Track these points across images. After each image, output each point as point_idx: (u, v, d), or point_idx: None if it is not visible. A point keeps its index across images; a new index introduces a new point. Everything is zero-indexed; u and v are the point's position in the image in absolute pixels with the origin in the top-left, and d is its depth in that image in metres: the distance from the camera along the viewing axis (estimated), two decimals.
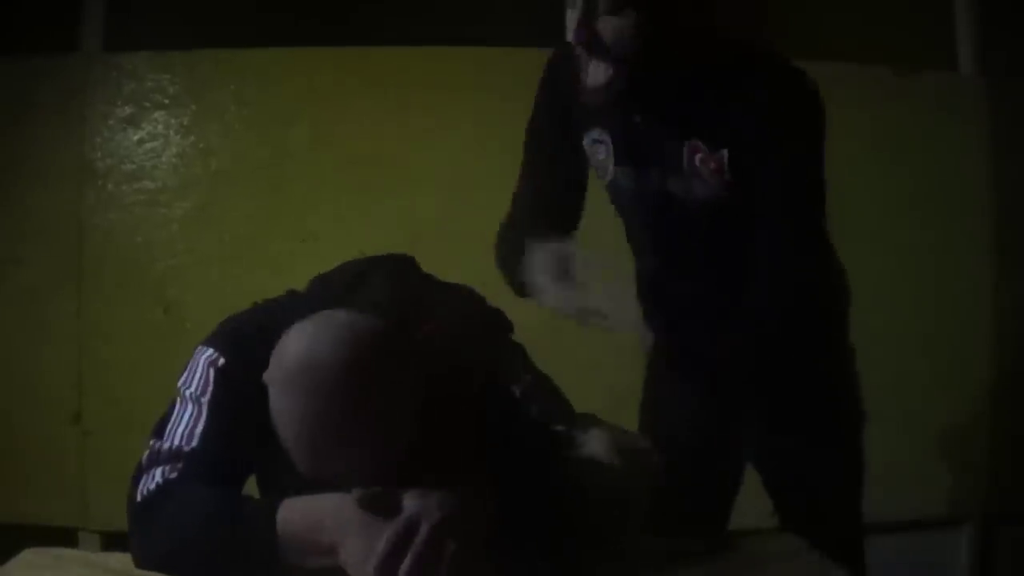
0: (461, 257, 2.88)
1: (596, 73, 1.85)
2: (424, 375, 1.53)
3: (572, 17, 1.83)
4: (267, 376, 1.50)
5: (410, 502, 1.45)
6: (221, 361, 1.63)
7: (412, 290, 1.70)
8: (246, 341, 1.63)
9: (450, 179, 3.17)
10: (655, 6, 1.81)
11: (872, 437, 3.17)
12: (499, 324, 1.81)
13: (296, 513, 1.48)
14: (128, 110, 3.25)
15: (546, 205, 2.18)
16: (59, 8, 3.31)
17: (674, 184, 1.99)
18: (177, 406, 1.63)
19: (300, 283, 1.78)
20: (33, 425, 3.26)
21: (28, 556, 1.72)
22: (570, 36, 1.85)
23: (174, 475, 1.57)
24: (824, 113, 1.95)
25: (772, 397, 2.11)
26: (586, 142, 2.09)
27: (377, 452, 1.48)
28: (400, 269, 1.77)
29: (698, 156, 1.94)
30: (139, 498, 1.57)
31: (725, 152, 1.91)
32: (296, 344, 1.47)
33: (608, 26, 1.80)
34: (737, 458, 2.24)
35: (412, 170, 3.18)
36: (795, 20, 3.35)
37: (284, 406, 1.48)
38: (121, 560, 1.64)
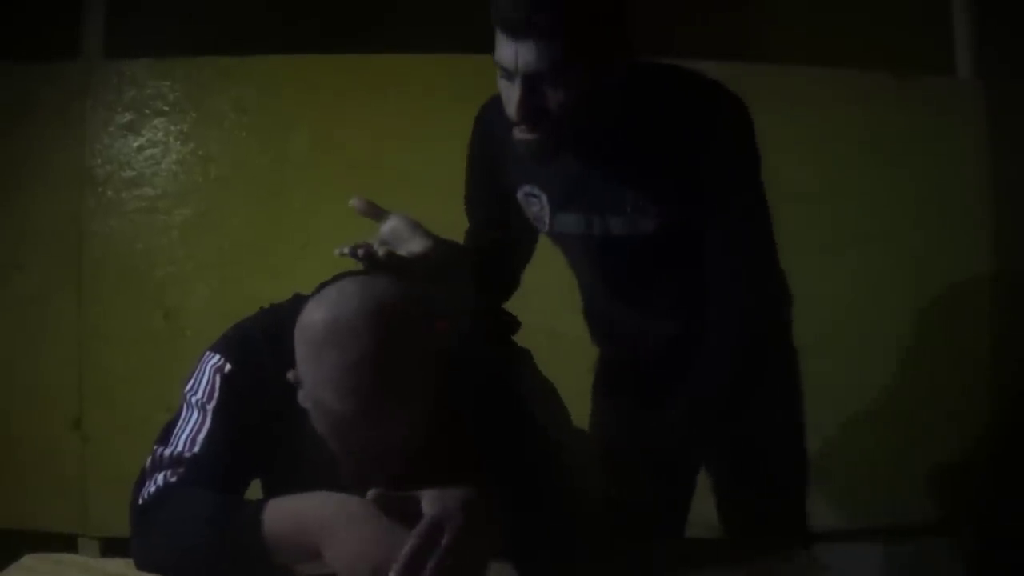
0: None
1: (524, 135, 1.83)
2: (439, 358, 1.53)
3: (510, 93, 1.81)
4: (296, 345, 1.49)
5: (431, 505, 1.44)
6: (228, 368, 1.63)
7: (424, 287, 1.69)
8: (252, 347, 1.64)
9: (450, 186, 3.16)
10: (591, 72, 1.80)
11: (868, 441, 3.23)
12: (508, 325, 1.82)
13: (280, 513, 1.48)
14: (128, 116, 3.26)
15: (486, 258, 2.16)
16: (60, 14, 3.31)
17: (617, 226, 1.97)
18: (183, 412, 1.64)
19: (300, 289, 1.78)
20: (33, 430, 3.26)
21: (28, 561, 1.73)
22: (511, 113, 1.82)
23: (174, 479, 1.57)
24: (752, 124, 1.93)
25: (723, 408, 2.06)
26: (519, 196, 2.08)
27: (401, 422, 1.48)
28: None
29: (640, 193, 1.93)
30: (140, 502, 1.58)
31: (667, 183, 1.91)
32: (320, 308, 1.47)
33: (550, 100, 1.78)
34: (686, 467, 2.20)
35: (412, 177, 3.17)
36: (794, 25, 3.36)
37: (313, 370, 1.47)
38: (119, 565, 1.64)
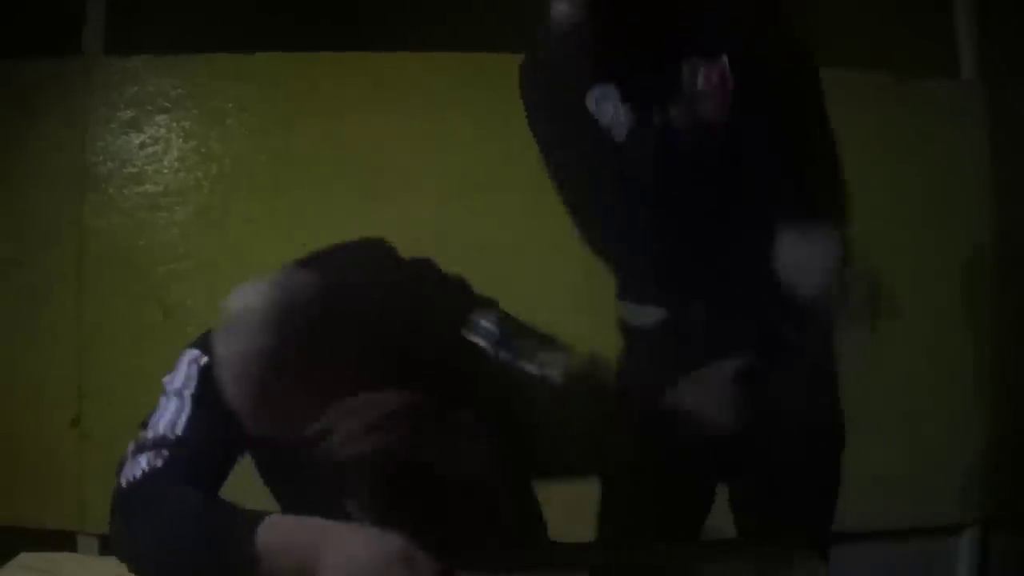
0: (461, 262, 2.90)
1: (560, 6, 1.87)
2: (366, 335, 1.55)
3: None
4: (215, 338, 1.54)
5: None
6: (204, 360, 1.68)
7: (375, 278, 1.73)
8: None
9: (451, 184, 3.17)
10: None
11: (871, 444, 3.21)
12: (454, 288, 1.83)
13: (276, 534, 1.48)
14: (130, 113, 3.26)
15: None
16: (61, 11, 3.31)
17: (678, 112, 1.95)
18: (162, 401, 1.69)
19: None
20: (32, 428, 3.26)
21: (24, 559, 1.73)
22: None
23: (159, 463, 1.59)
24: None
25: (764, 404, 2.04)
26: (591, 104, 2.03)
27: (312, 404, 1.50)
28: (362, 254, 1.82)
29: (700, 72, 1.92)
30: (124, 484, 1.59)
31: (725, 58, 1.90)
32: (234, 300, 1.53)
33: None
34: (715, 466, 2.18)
35: (413, 175, 3.18)
36: (795, 26, 3.35)
37: (223, 357, 1.52)
38: (117, 564, 1.64)
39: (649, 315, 2.17)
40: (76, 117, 3.26)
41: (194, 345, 1.73)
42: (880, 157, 3.24)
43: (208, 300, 3.14)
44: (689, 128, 1.96)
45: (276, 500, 1.75)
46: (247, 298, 1.50)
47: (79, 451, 3.23)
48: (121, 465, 1.62)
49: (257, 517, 1.49)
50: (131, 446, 1.64)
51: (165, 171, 3.25)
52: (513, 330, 1.72)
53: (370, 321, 1.56)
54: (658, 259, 2.12)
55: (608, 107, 2.03)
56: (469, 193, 3.11)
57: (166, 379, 1.71)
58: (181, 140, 3.25)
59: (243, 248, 3.22)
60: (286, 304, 1.49)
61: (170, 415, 1.66)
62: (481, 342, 1.70)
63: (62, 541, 3.13)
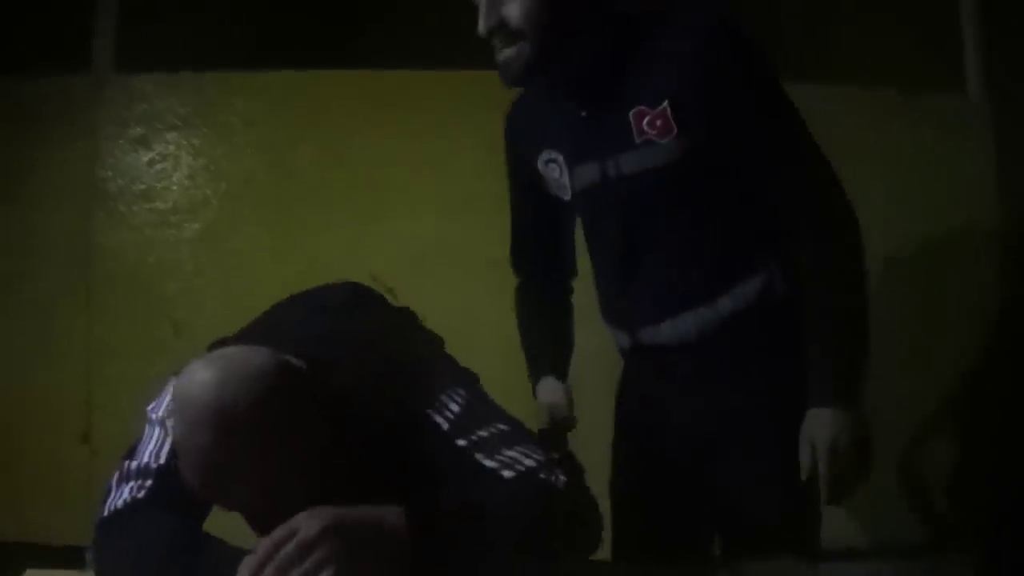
0: (462, 280, 2.93)
1: (506, 54, 1.96)
2: (324, 416, 1.52)
3: (480, 13, 1.94)
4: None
5: (301, 520, 1.41)
6: None
7: (338, 326, 1.70)
8: None
9: (454, 202, 3.18)
10: None
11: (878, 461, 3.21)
12: (425, 357, 1.77)
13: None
14: (139, 131, 3.29)
15: (529, 256, 2.35)
16: (71, 29, 3.34)
17: (630, 163, 2.01)
18: (146, 429, 1.69)
19: None
20: (41, 443, 3.27)
21: None
22: (481, 26, 1.94)
23: (141, 494, 1.60)
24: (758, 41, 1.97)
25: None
26: (541, 166, 2.16)
27: (264, 490, 1.47)
28: (335, 302, 1.77)
29: (644, 120, 1.97)
30: (106, 512, 1.60)
31: (666, 103, 1.94)
32: (180, 382, 1.48)
33: (511, 10, 1.91)
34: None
35: (418, 193, 3.19)
36: (802, 43, 3.36)
37: (174, 439, 1.50)
38: None
39: (622, 339, 2.22)
40: (86, 134, 3.29)
41: (178, 374, 1.71)
42: (886, 173, 3.24)
43: (217, 316, 3.16)
44: (639, 175, 2.01)
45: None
46: (195, 385, 1.45)
47: (87, 467, 3.23)
48: (106, 494, 1.63)
49: (236, 555, 1.46)
50: (114, 475, 1.65)
51: (174, 188, 3.27)
52: (480, 417, 1.68)
53: (324, 404, 1.53)
54: (618, 289, 2.18)
55: (555, 169, 2.13)
56: (473, 211, 3.11)
57: (150, 407, 1.70)
58: (190, 157, 3.27)
59: (251, 265, 3.24)
60: (224, 402, 1.43)
61: (153, 444, 1.65)
62: (443, 424, 1.65)
63: (70, 557, 3.13)
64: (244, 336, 1.66)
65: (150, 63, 3.30)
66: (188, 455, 1.45)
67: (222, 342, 1.73)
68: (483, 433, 1.65)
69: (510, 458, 1.63)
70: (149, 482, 1.61)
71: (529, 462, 1.62)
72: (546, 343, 2.34)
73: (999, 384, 3.29)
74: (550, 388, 2.26)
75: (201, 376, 1.45)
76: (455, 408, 1.66)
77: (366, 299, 1.82)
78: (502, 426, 1.67)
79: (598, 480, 2.01)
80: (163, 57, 3.30)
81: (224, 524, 1.59)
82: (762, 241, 2.05)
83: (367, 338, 1.69)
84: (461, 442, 1.64)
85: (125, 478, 1.63)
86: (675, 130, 1.95)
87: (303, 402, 1.50)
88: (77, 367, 3.27)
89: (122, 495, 1.61)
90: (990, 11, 3.40)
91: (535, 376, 2.30)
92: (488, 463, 1.62)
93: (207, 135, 3.28)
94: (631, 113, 1.98)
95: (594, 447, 2.17)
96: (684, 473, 2.12)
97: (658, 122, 1.95)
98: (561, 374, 2.30)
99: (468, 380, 1.75)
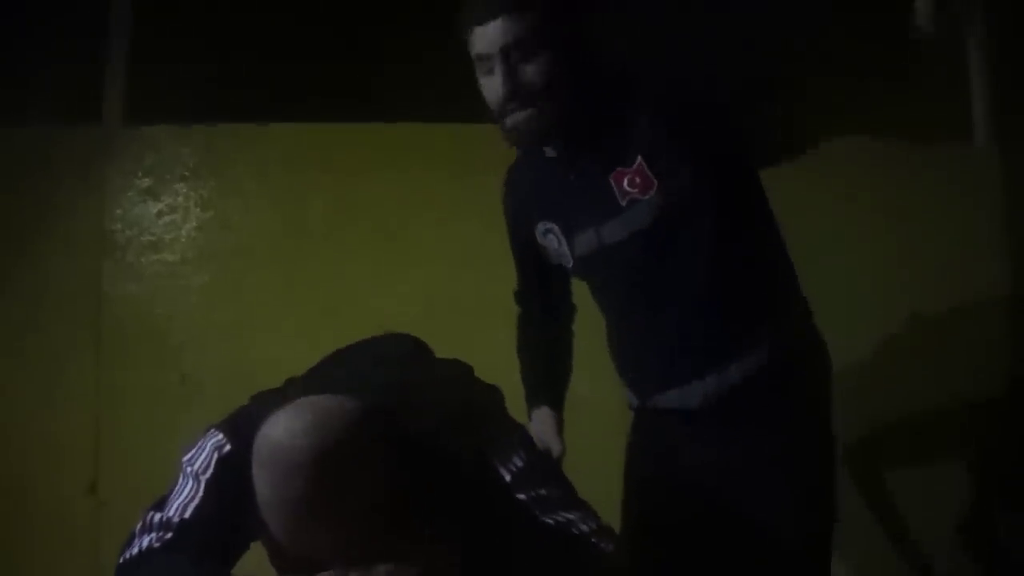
0: (474, 329, 2.92)
1: (519, 118, 1.98)
2: (401, 461, 1.54)
3: (493, 80, 1.97)
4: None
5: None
6: (227, 448, 1.68)
7: (403, 376, 1.72)
8: (246, 431, 1.64)
9: (465, 253, 3.18)
10: (561, 46, 1.95)
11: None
12: (489, 408, 1.81)
13: None
14: (148, 182, 3.30)
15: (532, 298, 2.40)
16: (82, 80, 3.35)
17: (620, 228, 2.04)
18: (179, 480, 1.69)
19: (317, 356, 1.80)
20: (49, 493, 3.26)
21: None
22: (496, 97, 1.97)
23: (158, 544, 1.61)
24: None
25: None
26: (539, 236, 2.21)
27: (348, 532, 1.49)
28: (394, 353, 1.80)
29: (624, 180, 2.01)
30: (121, 561, 1.62)
31: (639, 158, 1.99)
32: (267, 432, 1.50)
33: (527, 74, 1.94)
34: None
35: (429, 244, 3.20)
36: (809, 94, 3.37)
37: (259, 491, 1.51)
38: None
39: (632, 398, 2.25)
40: (95, 185, 3.30)
41: (219, 427, 1.72)
42: (894, 224, 3.25)
43: (225, 368, 3.17)
44: (634, 237, 2.04)
45: None
46: (288, 434, 1.48)
47: (95, 517, 3.23)
48: (126, 543, 1.65)
49: None
50: (138, 525, 1.66)
51: (183, 239, 3.28)
52: (541, 475, 1.72)
53: (403, 449, 1.55)
54: (626, 352, 2.23)
55: (553, 240, 2.18)
56: (483, 262, 3.10)
57: (187, 457, 1.70)
58: (199, 209, 3.28)
59: (260, 316, 3.25)
60: (320, 449, 1.46)
61: (183, 499, 1.66)
62: (506, 475, 1.69)
63: None
64: (312, 386, 1.67)
65: (160, 114, 3.32)
66: (279, 505, 1.48)
67: (268, 394, 1.75)
68: (543, 491, 1.70)
69: (567, 520, 1.68)
70: (169, 535, 1.62)
71: (584, 527, 1.68)
72: (543, 373, 2.38)
73: (1010, 432, 3.28)
74: (542, 417, 2.30)
75: (293, 426, 1.48)
76: (519, 463, 1.71)
77: (424, 350, 1.86)
78: (561, 487, 1.73)
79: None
80: (173, 108, 3.31)
81: None
82: (769, 303, 2.05)
83: (437, 387, 1.73)
84: (521, 496, 1.68)
85: (147, 529, 1.64)
86: (655, 183, 1.98)
87: (387, 447, 1.53)
88: (85, 416, 3.26)
89: (139, 545, 1.62)
90: (998, 62, 3.41)
91: (530, 404, 2.33)
92: (546, 520, 1.67)
93: (216, 187, 3.29)
94: (611, 176, 2.02)
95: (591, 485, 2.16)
96: (695, 527, 2.11)
97: (637, 179, 1.99)
98: (556, 404, 2.34)
99: (524, 435, 1.80)
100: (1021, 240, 3.30)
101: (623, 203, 2.01)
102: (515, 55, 1.93)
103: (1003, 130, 3.40)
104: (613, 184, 2.01)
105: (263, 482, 1.49)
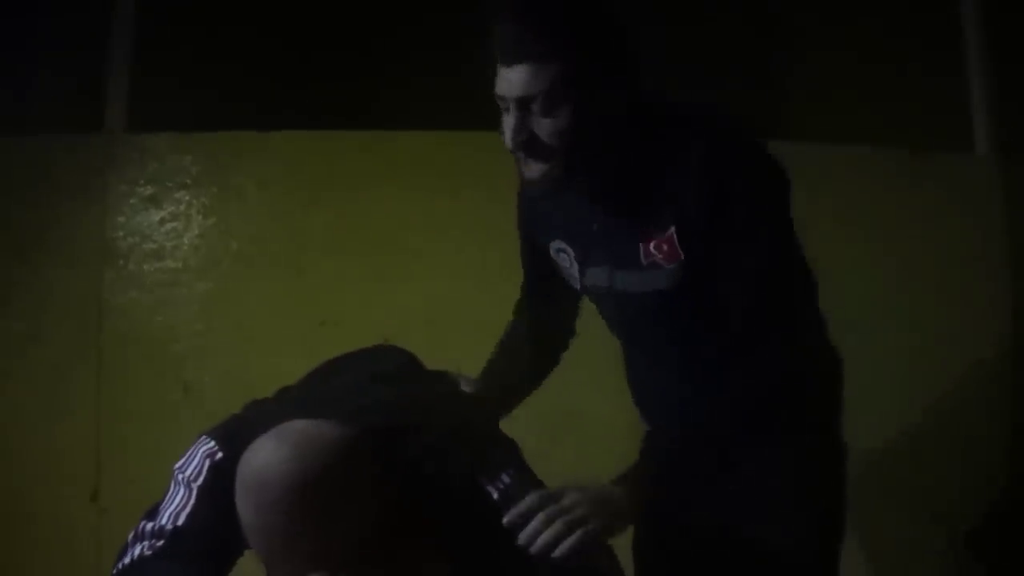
0: (476, 341, 2.92)
1: (532, 169, 1.89)
2: (389, 486, 1.55)
3: (508, 122, 1.87)
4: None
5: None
6: (219, 456, 1.68)
7: (393, 393, 1.72)
8: (245, 440, 1.64)
9: (468, 263, 3.18)
10: (586, 102, 1.84)
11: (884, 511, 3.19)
12: (479, 424, 1.82)
13: None
14: (150, 190, 3.29)
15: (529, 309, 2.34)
16: (83, 88, 3.36)
17: (633, 282, 1.99)
18: (171, 488, 1.70)
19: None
20: (50, 502, 3.27)
21: None
22: (507, 141, 1.89)
23: (150, 553, 1.62)
24: (777, 173, 1.94)
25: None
26: (552, 252, 2.16)
27: (333, 559, 1.50)
28: (385, 368, 1.79)
29: (652, 244, 1.94)
30: (114, 572, 1.64)
31: (673, 229, 1.91)
32: (250, 458, 1.51)
33: (543, 128, 1.84)
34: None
35: (431, 254, 3.20)
36: (809, 102, 3.38)
37: (242, 515, 1.52)
38: None
39: (643, 421, 2.23)
40: (97, 193, 3.30)
41: (211, 434, 1.72)
42: (894, 232, 3.25)
43: (227, 377, 3.17)
44: (645, 293, 1.99)
45: None
46: (270, 462, 1.48)
47: (97, 526, 3.23)
48: (120, 553, 1.66)
49: None
50: (131, 534, 1.67)
51: (185, 247, 3.27)
52: (528, 491, 1.70)
53: (391, 473, 1.56)
54: (634, 382, 2.23)
55: (565, 260, 2.13)
56: (486, 274, 3.11)
57: (178, 465, 1.71)
58: (201, 217, 3.28)
59: (262, 326, 3.25)
60: (301, 478, 1.47)
61: (175, 506, 1.66)
62: (494, 494, 1.69)
63: None
64: (296, 403, 1.68)
65: (162, 122, 3.32)
66: (263, 530, 1.49)
67: (261, 403, 1.75)
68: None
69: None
70: (161, 543, 1.62)
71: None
72: (507, 372, 2.31)
73: (1014, 444, 3.28)
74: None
75: (276, 454, 1.48)
76: (507, 480, 1.71)
77: (414, 365, 1.85)
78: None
79: None
80: (175, 117, 3.32)
81: None
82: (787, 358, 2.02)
83: (427, 406, 1.73)
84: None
85: (139, 537, 1.65)
86: (681, 256, 1.92)
87: (372, 472, 1.53)
88: (87, 426, 3.26)
89: (132, 555, 1.63)
90: (998, 69, 3.42)
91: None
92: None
93: (218, 195, 3.29)
94: (639, 233, 1.95)
95: None
96: (703, 541, 2.12)
97: (664, 247, 1.92)
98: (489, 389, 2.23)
99: (514, 450, 1.79)
100: (1022, 249, 3.30)
101: (644, 262, 1.95)
102: (535, 107, 1.82)
103: (1004, 137, 3.40)
104: (640, 243, 1.95)
105: (246, 506, 1.50)
